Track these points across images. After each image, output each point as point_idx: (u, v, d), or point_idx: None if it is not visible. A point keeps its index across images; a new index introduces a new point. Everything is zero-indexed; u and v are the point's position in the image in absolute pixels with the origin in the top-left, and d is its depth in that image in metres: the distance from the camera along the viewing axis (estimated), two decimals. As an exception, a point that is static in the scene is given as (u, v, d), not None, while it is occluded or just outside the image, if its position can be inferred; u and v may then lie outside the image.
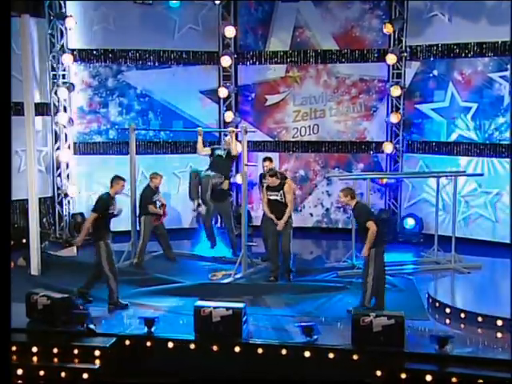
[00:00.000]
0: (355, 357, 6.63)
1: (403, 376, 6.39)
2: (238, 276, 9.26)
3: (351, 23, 12.15)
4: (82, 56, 11.99)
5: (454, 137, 11.67)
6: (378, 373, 6.45)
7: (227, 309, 6.96)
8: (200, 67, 12.55)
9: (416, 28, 11.70)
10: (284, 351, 6.76)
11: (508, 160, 11.07)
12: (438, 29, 11.51)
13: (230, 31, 12.21)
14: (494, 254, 10.63)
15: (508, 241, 11.03)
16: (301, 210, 12.82)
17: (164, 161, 12.37)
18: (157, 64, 12.34)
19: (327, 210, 12.73)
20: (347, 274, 9.40)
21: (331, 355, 6.67)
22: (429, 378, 6.34)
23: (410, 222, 12.01)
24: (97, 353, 6.88)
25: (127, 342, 7.05)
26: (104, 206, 8.12)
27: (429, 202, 11.92)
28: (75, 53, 11.84)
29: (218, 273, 9.51)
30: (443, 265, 10.01)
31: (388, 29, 11.62)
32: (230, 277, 9.20)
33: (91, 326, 7.21)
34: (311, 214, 12.79)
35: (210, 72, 12.58)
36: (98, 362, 6.83)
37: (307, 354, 6.72)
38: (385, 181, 12.03)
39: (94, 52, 12.05)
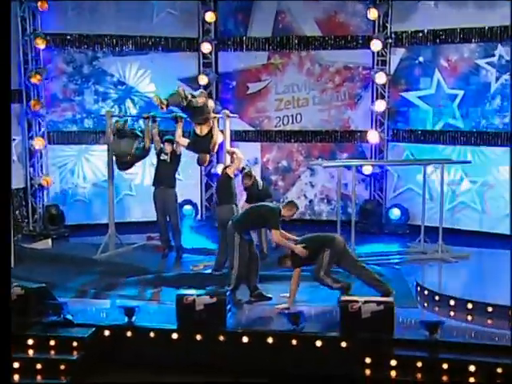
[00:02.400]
0: (344, 344, 6.60)
1: (393, 363, 6.38)
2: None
3: (334, 8, 12.17)
4: (56, 41, 11.84)
5: (440, 125, 11.74)
6: (368, 360, 6.44)
7: (211, 296, 6.90)
8: (179, 54, 12.49)
9: (401, 13, 11.76)
10: (270, 340, 6.71)
11: (495, 148, 11.17)
12: (423, 14, 11.58)
13: (210, 16, 12.18)
14: (481, 245, 10.70)
15: (497, 231, 11.15)
16: (283, 202, 12.75)
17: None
18: (134, 50, 12.25)
19: (311, 201, 12.73)
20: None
21: (319, 343, 6.64)
22: (419, 364, 6.35)
23: (395, 213, 12.06)
24: (74, 344, 6.78)
25: (107, 333, 6.95)
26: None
27: (415, 191, 11.97)
28: (48, 37, 11.67)
29: (200, 264, 9.46)
30: (430, 255, 10.04)
31: (372, 14, 11.65)
32: (211, 268, 9.14)
33: (68, 317, 7.10)
34: (294, 206, 12.76)
35: (189, 59, 12.51)
36: (75, 353, 6.72)
37: (294, 342, 6.68)
38: (370, 170, 12.05)
39: (69, 37, 11.91)
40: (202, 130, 9.34)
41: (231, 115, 9.92)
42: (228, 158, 9.85)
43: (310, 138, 12.55)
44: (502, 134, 11.11)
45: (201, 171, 12.77)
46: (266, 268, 8.44)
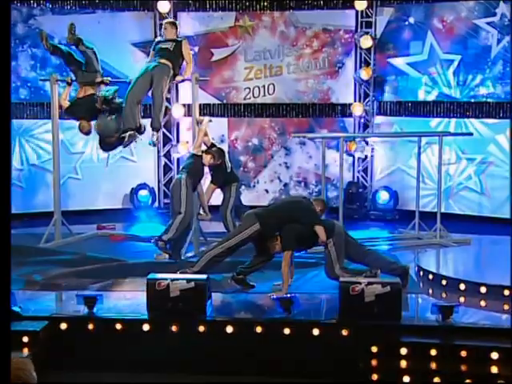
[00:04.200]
0: (345, 332, 6.49)
1: (403, 351, 6.29)
2: (190, 255, 9.04)
3: (312, -37, 12.15)
4: (-16, -5, 11.44)
5: (433, 95, 11.79)
6: (374, 349, 6.34)
7: (188, 281, 6.71)
8: (131, 14, 12.29)
9: (388, -32, 11.80)
10: (259, 329, 6.55)
11: (495, 120, 11.27)
12: (414, -32, 11.64)
13: (168, -30, 11.98)
14: (482, 231, 10.75)
15: (498, 215, 11.24)
16: (254, 186, 12.67)
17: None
18: (78, 8, 11.98)
19: (285, 185, 12.64)
20: (316, 250, 9.30)
21: (316, 331, 6.52)
22: (433, 352, 6.28)
23: (383, 197, 12.08)
24: (25, 339, 6.49)
25: (63, 326, 6.68)
26: None
27: (405, 172, 12.00)
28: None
29: (164, 253, 9.25)
30: (427, 240, 10.06)
31: (356, -32, 11.64)
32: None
33: (15, 309, 6.81)
34: (267, 191, 12.69)
35: (143, 20, 12.32)
36: (26, 350, 6.44)
37: (287, 331, 6.54)
38: (354, 147, 12.02)
39: (-1, -10, 11.53)
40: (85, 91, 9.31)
41: (201, 79, 9.71)
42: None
43: (284, 112, 12.47)
44: (505, 105, 11.21)
45: (158, 151, 12.54)
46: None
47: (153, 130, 9.21)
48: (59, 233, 9.92)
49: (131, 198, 12.32)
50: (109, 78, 9.66)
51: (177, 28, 9.56)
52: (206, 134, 9.31)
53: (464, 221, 11.43)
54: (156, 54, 9.37)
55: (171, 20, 10.21)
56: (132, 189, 12.32)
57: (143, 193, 12.35)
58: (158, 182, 12.66)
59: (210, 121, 9.56)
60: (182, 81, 9.63)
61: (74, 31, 9.33)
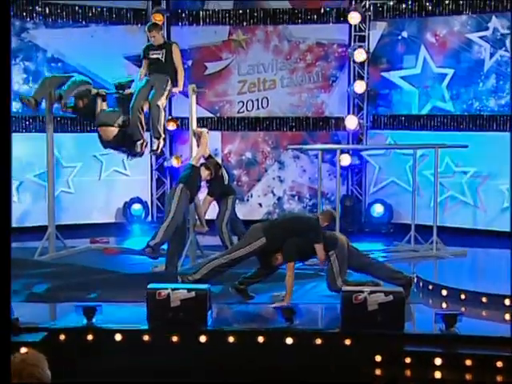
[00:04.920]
0: (348, 341, 6.42)
1: (408, 360, 6.23)
2: (187, 267, 8.96)
3: (305, -22, 12.18)
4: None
5: (427, 109, 11.81)
6: (378, 358, 6.27)
7: (189, 290, 6.62)
8: (125, 27, 12.26)
9: (381, -18, 11.85)
10: (261, 338, 6.47)
11: (491, 134, 11.30)
12: (407, -17, 11.70)
13: (162, -17, 11.98)
14: (476, 244, 10.72)
15: (493, 228, 11.23)
16: (248, 200, 12.61)
17: (83, 140, 11.86)
18: (71, 22, 11.93)
19: (279, 199, 12.59)
20: (313, 262, 9.26)
21: (319, 341, 6.44)
22: (438, 361, 6.22)
23: (377, 210, 12.05)
24: (23, 351, 6.34)
25: (62, 337, 6.57)
26: None
27: (399, 185, 11.99)
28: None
29: (161, 265, 9.16)
30: (424, 252, 10.02)
31: (350, -18, 11.69)
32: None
33: (13, 320, 6.68)
34: (260, 205, 12.63)
35: (136, 33, 12.24)
36: (24, 361, 6.30)
37: (289, 340, 6.46)
38: (348, 161, 12.00)
39: (-8, 3, 11.47)
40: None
41: (199, 90, 9.68)
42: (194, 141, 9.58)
43: (278, 125, 12.44)
44: (498, 118, 11.25)
45: (151, 165, 12.48)
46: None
47: (153, 137, 9.25)
48: (53, 246, 9.81)
49: (124, 211, 12.22)
50: (104, 90, 9.60)
51: (161, 28, 9.55)
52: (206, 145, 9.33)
53: (457, 234, 11.40)
54: (150, 66, 9.36)
55: (154, 23, 10.03)
56: (125, 203, 12.22)
57: (136, 207, 12.26)
58: (151, 195, 12.57)
59: (208, 132, 9.52)
60: (180, 92, 9.62)
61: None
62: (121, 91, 9.51)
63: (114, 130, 9.22)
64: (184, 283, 7.31)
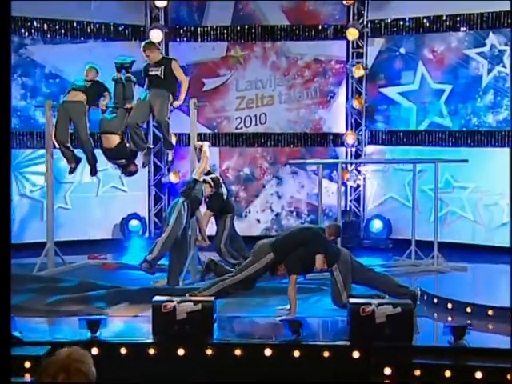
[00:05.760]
0: (356, 354, 6.35)
1: (417, 373, 6.17)
2: (188, 281, 8.89)
3: (303, -6, 12.20)
4: (-25, 24, 11.33)
5: (425, 125, 11.82)
6: (387, 370, 6.19)
7: (195, 303, 6.54)
8: (123, 43, 12.20)
9: (379, -1, 11.89)
10: (268, 351, 6.39)
11: (488, 149, 11.30)
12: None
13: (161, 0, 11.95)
14: (476, 259, 10.69)
15: (492, 243, 11.20)
16: (246, 216, 12.54)
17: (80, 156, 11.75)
18: (69, 38, 11.89)
19: (277, 214, 12.52)
20: (315, 276, 9.21)
21: (327, 354, 6.37)
22: (448, 373, 6.15)
23: (376, 225, 12.00)
24: (27, 364, 6.27)
25: (66, 351, 6.45)
26: None
27: (398, 201, 11.96)
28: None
29: (161, 280, 9.07)
30: (425, 267, 9.98)
31: (348, -1, 11.72)
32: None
33: (16, 334, 6.59)
34: (258, 220, 12.55)
35: (134, 49, 12.04)
36: (28, 375, 6.19)
37: (297, 353, 6.39)
38: (346, 176, 11.97)
39: (-9, 19, 11.42)
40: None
41: (200, 104, 9.66)
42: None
43: (276, 141, 12.40)
44: (496, 133, 11.26)
45: (148, 181, 12.41)
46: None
47: (166, 149, 9.57)
48: (52, 262, 9.70)
49: (122, 228, 12.11)
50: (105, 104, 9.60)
51: (157, 47, 9.56)
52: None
53: (456, 249, 11.34)
54: (150, 83, 9.38)
55: (148, 41, 9.98)
56: (123, 219, 12.12)
57: (134, 223, 12.15)
58: (149, 211, 12.47)
59: (209, 146, 9.49)
60: (178, 108, 9.63)
61: None
62: (119, 105, 9.52)
63: (116, 138, 9.21)
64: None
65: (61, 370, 3.02)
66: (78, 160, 9.69)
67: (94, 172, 9.88)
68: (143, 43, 9.68)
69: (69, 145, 9.58)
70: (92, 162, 9.70)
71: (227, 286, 7.35)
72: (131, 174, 9.89)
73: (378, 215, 12.05)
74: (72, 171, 9.79)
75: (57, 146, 9.54)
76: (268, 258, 7.37)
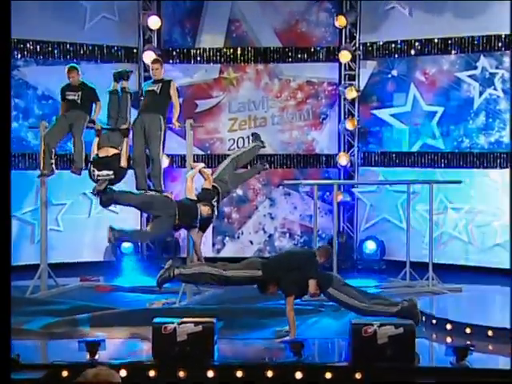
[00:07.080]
0: (358, 375, 6.30)
1: (420, 394, 6.13)
2: (184, 303, 8.81)
3: (296, 17, 12.29)
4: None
5: (417, 146, 11.87)
6: (390, 392, 6.15)
7: (196, 324, 6.46)
8: (116, 65, 12.13)
9: (371, 22, 11.99)
10: (270, 373, 6.32)
11: (481, 171, 11.36)
12: (396, 23, 11.83)
13: (154, 22, 11.98)
14: (470, 280, 10.69)
15: (486, 265, 11.21)
16: (239, 237, 12.49)
17: (72, 178, 11.65)
18: (62, 59, 11.86)
19: (270, 236, 12.48)
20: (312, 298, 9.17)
21: (329, 375, 6.30)
22: (451, 394, 6.12)
23: (369, 247, 11.98)
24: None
25: (65, 373, 6.34)
26: None
27: (391, 222, 11.96)
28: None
29: (157, 302, 9.01)
30: (419, 288, 9.95)
31: (340, 22, 11.79)
32: (172, 305, 8.75)
33: (12, 357, 6.46)
34: (251, 242, 12.49)
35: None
36: (26, 399, 6.10)
37: (299, 375, 6.31)
38: (340, 198, 11.97)
39: (-18, 40, 11.38)
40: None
41: (196, 125, 9.65)
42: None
43: (268, 162, 12.20)
44: (488, 155, 11.32)
45: (140, 203, 12.30)
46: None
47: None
48: (45, 284, 9.59)
49: (114, 249, 12.01)
50: (100, 125, 9.51)
51: (162, 64, 9.57)
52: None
53: (450, 270, 11.35)
54: (144, 96, 9.37)
55: (157, 58, 10.11)
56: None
57: (126, 245, 12.06)
58: (141, 233, 12.35)
59: (204, 167, 9.45)
60: (171, 130, 9.60)
61: None
62: (113, 125, 9.43)
63: (115, 150, 9.08)
64: (170, 274, 7.47)
65: None
66: (51, 172, 9.50)
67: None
68: (155, 59, 9.78)
69: (53, 151, 9.43)
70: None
71: (208, 272, 7.45)
72: (99, 193, 9.45)
73: (371, 236, 12.04)
74: (41, 176, 9.58)
75: (42, 146, 9.38)
76: (255, 273, 7.43)
